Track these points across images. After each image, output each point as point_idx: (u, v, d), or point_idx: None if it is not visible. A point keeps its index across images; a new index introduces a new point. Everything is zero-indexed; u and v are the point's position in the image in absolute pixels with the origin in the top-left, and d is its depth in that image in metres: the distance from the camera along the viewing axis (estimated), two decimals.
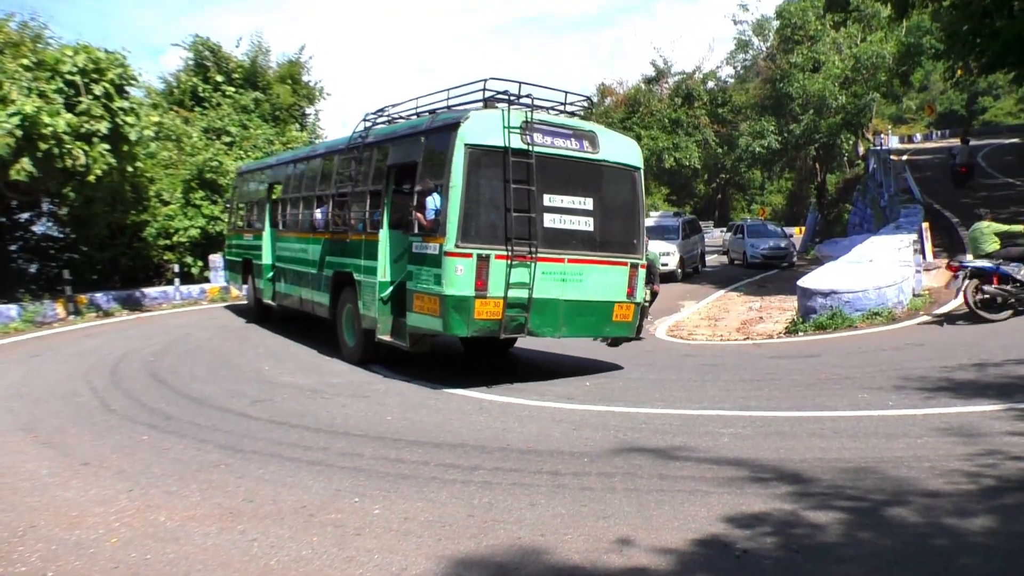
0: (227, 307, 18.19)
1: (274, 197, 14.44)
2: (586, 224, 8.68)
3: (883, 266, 13.52)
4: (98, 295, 17.08)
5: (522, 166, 8.28)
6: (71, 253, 19.20)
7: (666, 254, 24.13)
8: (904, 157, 37.39)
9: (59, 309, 15.84)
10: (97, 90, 14.97)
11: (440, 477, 5.49)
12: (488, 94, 8.64)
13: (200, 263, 20.95)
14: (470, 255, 8.08)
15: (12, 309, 14.75)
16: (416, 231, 8.81)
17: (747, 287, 22.01)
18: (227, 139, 23.79)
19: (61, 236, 19.41)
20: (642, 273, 9.17)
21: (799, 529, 4.31)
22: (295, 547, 4.30)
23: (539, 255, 8.30)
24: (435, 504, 4.94)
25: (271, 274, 14.09)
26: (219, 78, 25.49)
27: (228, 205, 18.44)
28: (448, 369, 10.08)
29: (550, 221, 8.46)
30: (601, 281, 8.78)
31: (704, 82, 40.23)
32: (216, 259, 20.59)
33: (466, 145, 8.17)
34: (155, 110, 20.42)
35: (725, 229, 44.85)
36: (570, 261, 8.57)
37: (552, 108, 9.13)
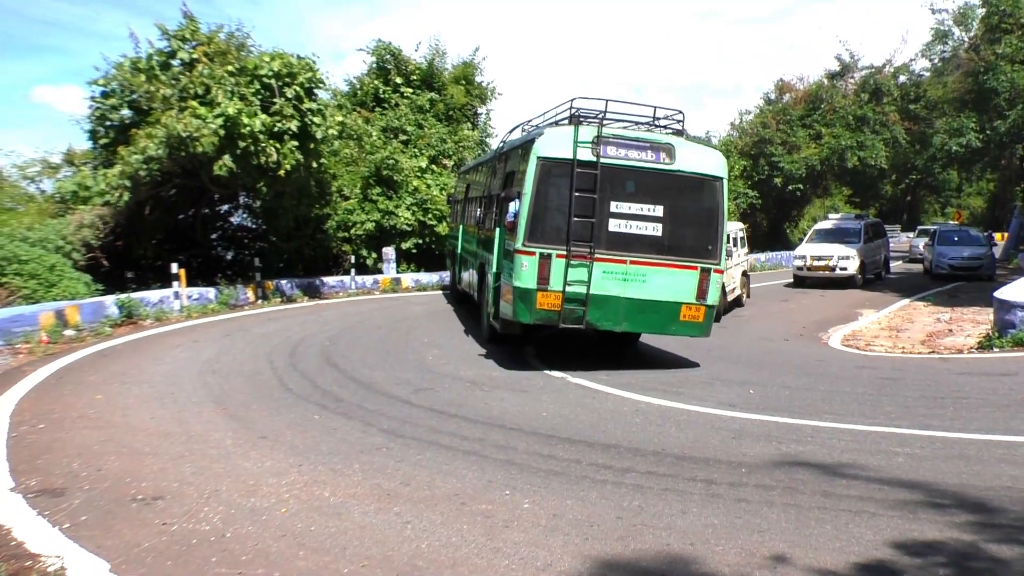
0: (398, 298, 19.02)
1: (464, 196, 16.78)
2: (654, 229, 9.44)
3: None
4: (283, 282, 18.40)
5: (587, 176, 9.17)
6: (261, 243, 20.76)
7: (845, 258, 23.22)
8: None
9: (249, 293, 17.21)
10: (289, 92, 16.10)
11: (591, 476, 5.47)
12: (575, 111, 9.68)
13: (374, 255, 22.02)
14: (533, 253, 9.22)
15: (211, 292, 16.19)
16: (508, 231, 9.95)
17: (936, 297, 20.32)
18: (403, 138, 24.88)
19: (254, 227, 21.05)
20: (716, 278, 9.59)
21: (978, 563, 3.93)
22: (445, 533, 4.43)
23: (598, 256, 9.24)
24: (584, 503, 4.92)
25: (459, 263, 16.37)
26: (398, 80, 26.68)
27: (448, 201, 21.13)
28: (605, 369, 10.01)
29: (615, 226, 9.34)
30: (667, 283, 9.48)
31: (895, 76, 37.42)
32: (389, 251, 21.59)
33: (539, 158, 9.29)
34: (339, 111, 21.65)
35: (914, 234, 41.47)
36: (632, 263, 9.37)
37: (639, 123, 9.96)
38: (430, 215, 22.45)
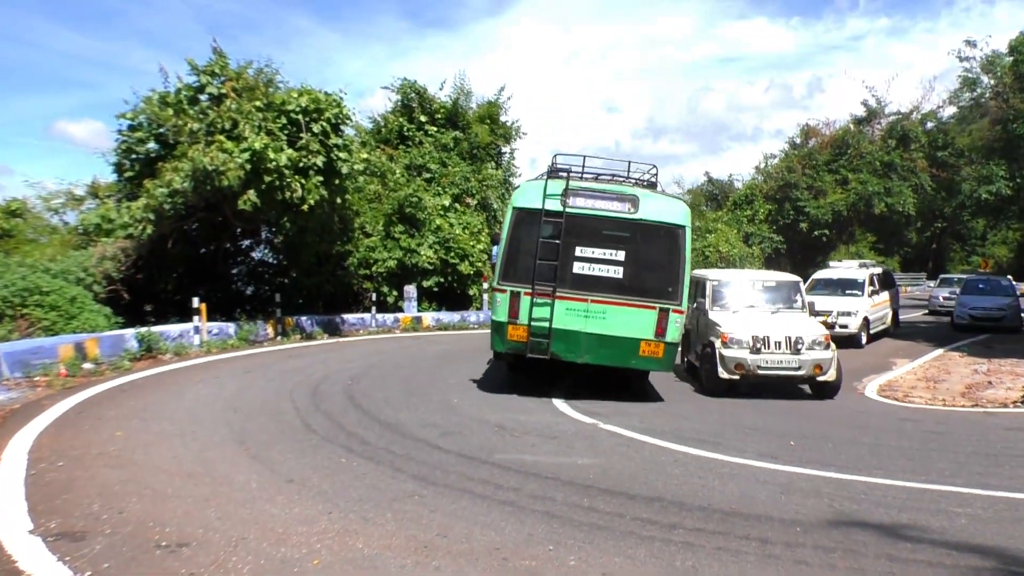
0: (419, 337, 18.87)
1: None
2: (615, 272, 10.49)
3: None
4: (303, 318, 18.31)
5: (553, 224, 10.45)
6: (282, 278, 20.78)
7: (846, 314, 19.94)
8: None
9: (269, 329, 17.12)
10: (316, 128, 16.21)
11: (637, 532, 5.21)
12: (554, 165, 11.04)
13: (395, 293, 21.96)
14: (506, 291, 10.59)
15: (231, 327, 16.10)
16: (493, 272, 11.37)
17: (971, 347, 19.89)
18: (427, 176, 24.98)
19: (275, 262, 21.07)
20: (676, 317, 10.43)
21: None
22: None
23: (562, 294, 10.44)
24: (634, 561, 4.67)
25: None
26: (423, 118, 26.90)
27: None
28: (636, 415, 9.76)
29: (579, 268, 10.50)
30: (626, 320, 10.43)
31: (922, 123, 37.43)
32: (410, 290, 21.51)
33: (514, 208, 10.74)
34: (364, 147, 21.81)
35: (935, 283, 40.26)
36: (593, 301, 10.45)
37: (618, 176, 11.17)
38: (452, 254, 22.42)
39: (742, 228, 36.16)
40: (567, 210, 10.45)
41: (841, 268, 23.02)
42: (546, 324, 10.45)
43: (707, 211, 41.36)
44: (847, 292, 21.12)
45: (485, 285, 23.40)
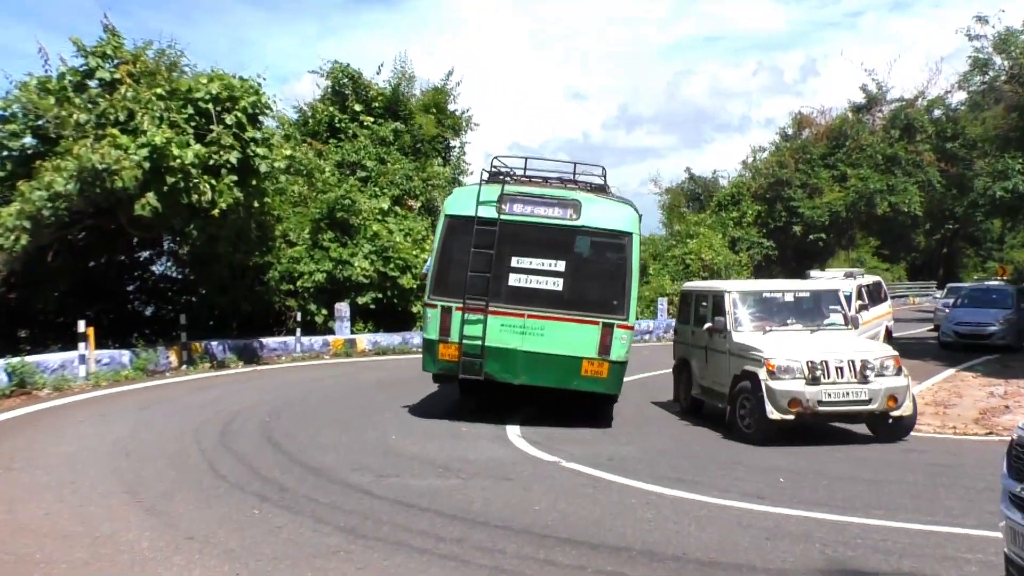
0: (353, 363, 18.72)
1: None
2: (554, 284, 10.92)
3: None
4: (214, 343, 18.05)
5: (486, 233, 10.86)
6: (189, 296, 20.48)
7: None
8: None
9: (172, 357, 16.84)
10: (229, 119, 16.05)
11: None
12: (494, 168, 11.53)
13: (324, 312, 21.75)
14: (436, 306, 11.07)
15: (125, 355, 15.80)
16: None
17: (985, 366, 20.38)
18: (362, 174, 24.87)
19: (179, 277, 20.75)
20: (621, 333, 10.79)
21: None
22: None
23: (494, 309, 10.85)
24: None
25: None
26: (357, 107, 26.83)
27: None
28: (604, 450, 9.79)
29: (516, 280, 10.94)
30: (566, 337, 10.83)
31: (929, 110, 38.34)
32: (342, 308, 21.34)
33: (447, 216, 11.27)
34: (287, 142, 21.67)
35: (942, 293, 40.24)
36: (530, 316, 10.85)
37: (563, 180, 11.63)
38: (392, 265, 22.31)
39: (728, 232, 36.57)
40: (502, 217, 10.94)
41: (823, 279, 21.51)
42: (478, 342, 10.87)
43: (688, 213, 41.85)
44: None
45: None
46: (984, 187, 36.41)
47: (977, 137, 38.72)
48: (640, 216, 11.59)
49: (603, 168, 11.94)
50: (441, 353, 11.00)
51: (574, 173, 11.74)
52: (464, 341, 10.86)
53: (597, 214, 11.02)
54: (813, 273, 23.16)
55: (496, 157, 11.80)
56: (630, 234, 11.03)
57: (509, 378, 11.03)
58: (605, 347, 10.77)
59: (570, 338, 10.80)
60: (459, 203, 11.29)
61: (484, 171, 11.59)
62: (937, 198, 39.05)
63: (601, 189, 11.69)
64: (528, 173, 11.57)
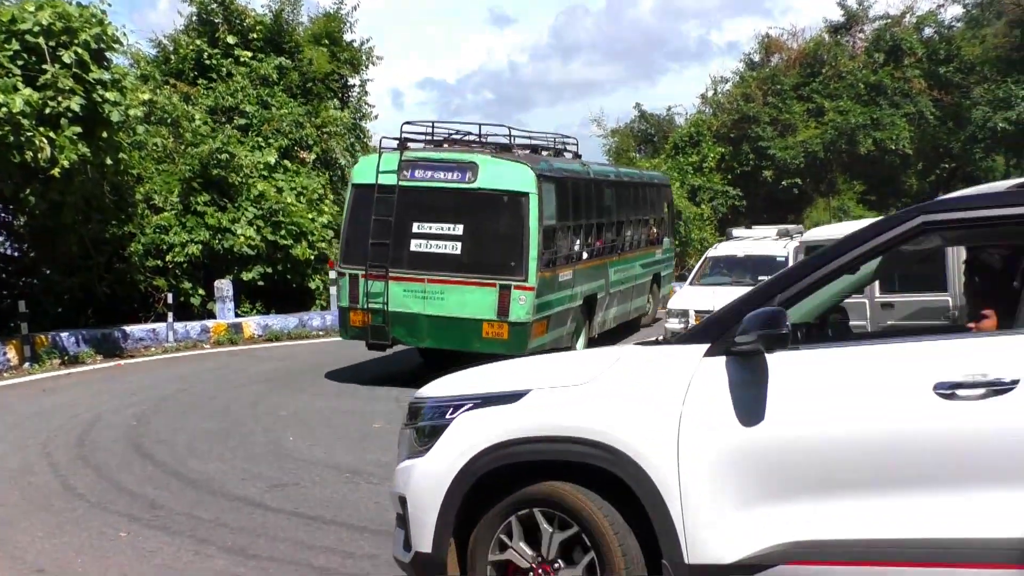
0: (239, 352, 18.56)
1: None
2: (453, 248, 12.83)
3: None
4: (64, 335, 17.67)
5: (386, 200, 12.91)
6: (29, 278, 19.97)
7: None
8: None
9: (11, 354, 16.43)
10: (67, 57, 15.59)
11: None
12: (403, 136, 13.63)
13: (202, 292, 21.45)
14: (345, 274, 13.41)
15: None
16: None
17: None
18: (241, 121, 24.48)
19: (16, 255, 20.22)
20: (519, 294, 12.53)
21: None
22: None
23: (397, 275, 12.93)
24: None
25: None
26: (231, 40, 26.30)
27: None
28: None
29: (416, 245, 12.95)
30: (465, 300, 12.79)
31: (918, 29, 39.16)
32: (224, 285, 21.05)
33: (353, 185, 13.68)
34: (145, 84, 21.16)
35: None
36: (430, 281, 12.85)
37: (472, 143, 14.12)
38: (283, 232, 22.07)
39: (687, 180, 36.85)
40: (401, 184, 12.96)
41: (750, 240, 20.67)
42: (382, 307, 13.00)
43: (640, 158, 42.11)
44: (760, 279, 16.81)
45: (332, 274, 23.20)
46: (983, 118, 37.54)
47: (975, 59, 39.73)
48: (541, 176, 13.16)
49: (508, 128, 14.24)
50: (352, 320, 13.26)
51: (480, 134, 14.01)
52: (369, 307, 12.97)
53: (493, 175, 12.81)
54: (736, 233, 21.81)
55: (406, 122, 13.82)
56: (527, 194, 12.72)
57: (415, 342, 13.35)
58: (504, 309, 12.53)
59: (469, 301, 12.72)
60: (364, 172, 13.44)
61: (383, 138, 13.90)
62: (930, 133, 39.98)
63: (507, 149, 13.76)
64: (435, 138, 13.81)
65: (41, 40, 15.43)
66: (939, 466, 3.73)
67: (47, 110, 15.28)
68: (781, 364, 3.95)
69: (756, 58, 42.39)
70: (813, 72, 39.39)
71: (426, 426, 4.55)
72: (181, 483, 8.42)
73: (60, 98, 15.36)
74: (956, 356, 3.83)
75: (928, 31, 39.72)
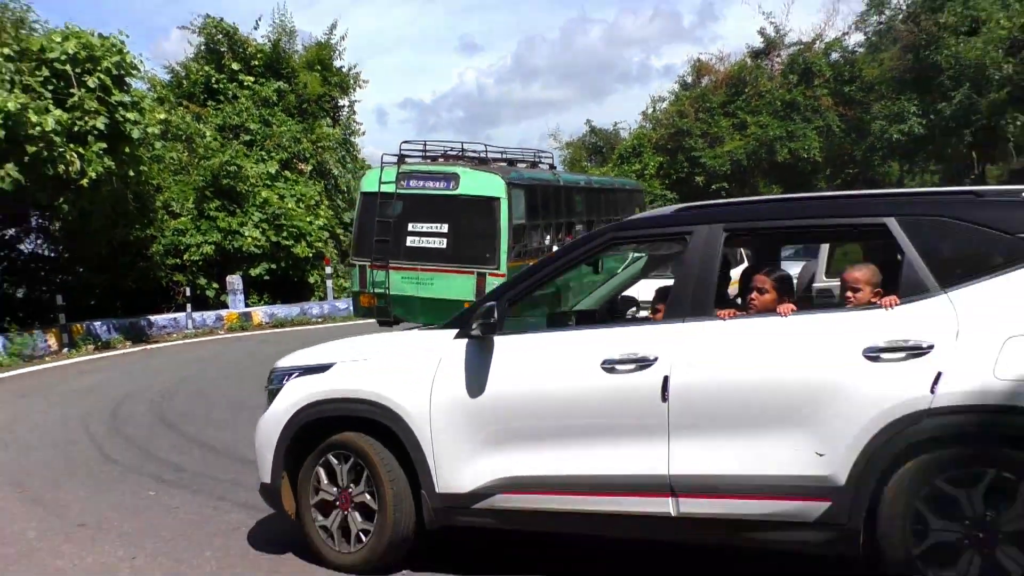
0: (249, 337, 18.46)
1: None
2: (440, 243, 13.60)
3: None
4: (97, 323, 17.50)
5: (387, 205, 13.73)
6: (65, 275, 19.74)
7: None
8: None
9: (51, 341, 16.25)
10: (91, 82, 15.37)
11: None
12: (406, 150, 14.30)
13: (215, 286, 21.33)
14: (355, 265, 14.40)
15: None
16: None
17: None
18: (246, 138, 24.30)
19: (53, 256, 19.99)
20: (493, 280, 12.79)
21: None
22: None
23: (395, 265, 13.69)
24: None
25: None
26: (235, 66, 26.01)
27: None
28: None
29: (411, 241, 13.66)
30: (450, 285, 13.42)
31: (827, 54, 39.30)
32: (234, 280, 20.95)
33: (361, 193, 14.65)
34: (161, 105, 20.90)
35: None
36: (422, 270, 13.61)
37: (461, 157, 14.62)
38: (285, 233, 22.00)
39: None
40: (399, 191, 13.74)
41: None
42: (384, 291, 13.83)
43: (591, 167, 42.17)
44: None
45: (328, 269, 23.16)
46: (881, 130, 37.81)
47: (874, 80, 39.97)
48: (510, 184, 13.79)
49: (485, 145, 15.37)
50: (362, 301, 14.27)
51: (462, 151, 14.83)
52: (375, 291, 13.87)
53: (471, 183, 13.55)
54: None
55: (404, 141, 14.52)
56: (498, 198, 13.41)
57: (412, 319, 13.58)
58: (481, 292, 12.91)
59: (453, 286, 13.36)
60: (370, 182, 14.31)
61: (385, 154, 14.30)
62: (836, 143, 40.24)
63: (483, 162, 14.62)
64: (428, 154, 14.45)
65: (68, 67, 15.22)
66: (603, 421, 4.32)
67: (75, 128, 15.09)
68: (504, 345, 4.59)
69: (689, 80, 42.40)
70: (737, 91, 39.48)
71: (274, 388, 5.30)
72: (202, 449, 8.36)
73: (87, 118, 15.18)
74: (619, 340, 4.39)
75: (835, 55, 39.93)
